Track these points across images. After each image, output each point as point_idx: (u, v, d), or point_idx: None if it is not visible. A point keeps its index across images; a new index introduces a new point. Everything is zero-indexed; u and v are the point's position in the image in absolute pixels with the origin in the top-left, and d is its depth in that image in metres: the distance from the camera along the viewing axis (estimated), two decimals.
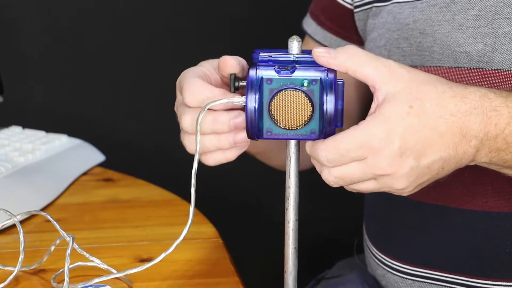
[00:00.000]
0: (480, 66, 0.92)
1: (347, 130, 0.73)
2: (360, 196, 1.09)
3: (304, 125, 0.74)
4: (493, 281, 0.95)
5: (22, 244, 0.86)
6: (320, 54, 0.73)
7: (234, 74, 0.77)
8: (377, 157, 0.72)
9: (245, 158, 0.98)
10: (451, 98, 0.74)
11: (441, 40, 0.94)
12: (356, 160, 0.73)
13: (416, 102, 0.73)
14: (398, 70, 0.74)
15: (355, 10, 1.06)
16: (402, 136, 0.72)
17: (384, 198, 1.04)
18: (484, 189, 0.94)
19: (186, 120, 0.78)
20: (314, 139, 0.74)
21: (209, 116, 0.77)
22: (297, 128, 0.74)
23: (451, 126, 0.74)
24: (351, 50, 0.74)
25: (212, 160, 0.80)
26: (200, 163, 0.79)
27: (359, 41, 1.09)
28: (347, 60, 0.73)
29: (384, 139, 0.72)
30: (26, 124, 1.32)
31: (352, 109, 1.12)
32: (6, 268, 0.88)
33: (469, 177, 0.94)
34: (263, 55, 0.76)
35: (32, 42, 1.65)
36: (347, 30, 1.09)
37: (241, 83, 0.77)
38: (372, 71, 0.73)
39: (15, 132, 1.27)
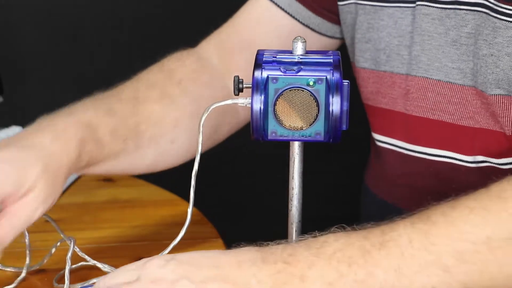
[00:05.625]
0: (474, 84, 0.90)
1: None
2: (359, 196, 1.09)
3: (309, 125, 0.73)
4: None
5: (28, 248, 0.88)
6: None
7: (238, 76, 0.76)
8: None
9: (246, 158, 0.98)
10: None
11: (429, 51, 0.92)
12: None
13: None
14: None
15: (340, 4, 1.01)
16: None
17: (382, 201, 1.03)
18: None
19: None
20: (319, 141, 0.74)
21: None
22: (302, 129, 0.74)
23: None
24: None
25: None
26: (200, 164, 0.79)
27: (334, 20, 1.02)
28: None
29: None
30: (26, 124, 1.32)
31: None
32: (7, 269, 0.88)
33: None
34: (267, 55, 0.75)
35: (32, 42, 1.64)
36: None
37: (245, 85, 0.76)
38: None
39: (15, 132, 1.27)
